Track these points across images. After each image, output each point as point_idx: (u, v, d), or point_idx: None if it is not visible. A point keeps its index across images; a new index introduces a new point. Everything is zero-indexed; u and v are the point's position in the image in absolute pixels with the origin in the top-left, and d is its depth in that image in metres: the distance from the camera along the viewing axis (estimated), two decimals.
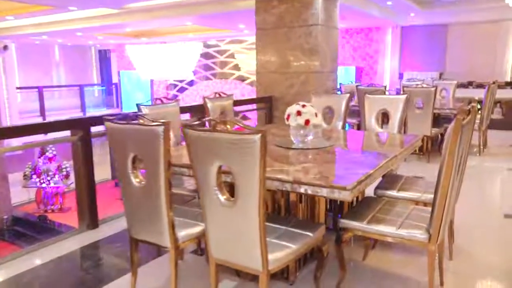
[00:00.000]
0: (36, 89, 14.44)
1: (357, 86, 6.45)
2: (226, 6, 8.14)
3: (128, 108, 16.27)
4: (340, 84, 7.40)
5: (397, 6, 9.63)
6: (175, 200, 2.73)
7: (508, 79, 11.14)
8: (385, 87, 6.14)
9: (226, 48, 15.46)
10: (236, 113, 14.39)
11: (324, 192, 1.96)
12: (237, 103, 4.89)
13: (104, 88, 18.04)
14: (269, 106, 5.87)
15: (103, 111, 16.17)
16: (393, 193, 2.84)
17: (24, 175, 11.94)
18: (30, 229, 9.80)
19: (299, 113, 2.78)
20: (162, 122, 2.01)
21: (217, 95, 4.09)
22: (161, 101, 3.40)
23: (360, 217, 2.34)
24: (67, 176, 9.68)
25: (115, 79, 17.76)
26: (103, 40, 15.38)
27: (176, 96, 16.34)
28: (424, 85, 5.81)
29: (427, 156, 5.67)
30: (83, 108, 15.70)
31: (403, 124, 4.04)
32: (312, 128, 2.83)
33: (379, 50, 12.22)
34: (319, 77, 5.62)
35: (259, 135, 1.70)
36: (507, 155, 6.26)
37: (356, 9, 8.67)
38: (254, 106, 6.02)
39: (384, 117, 3.83)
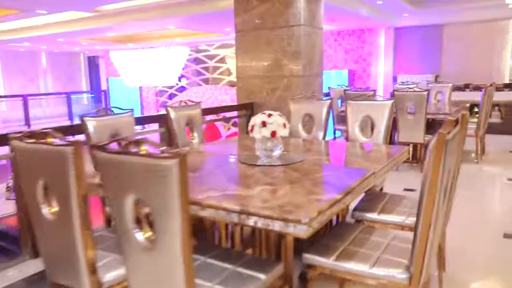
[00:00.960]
0: (21, 98, 14.00)
1: (345, 90, 6.05)
2: (206, 7, 7.78)
3: None
4: (329, 88, 7.01)
5: (389, 6, 9.24)
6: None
7: (507, 81, 10.75)
8: (375, 91, 5.73)
9: (216, 52, 15.07)
10: (227, 120, 13.86)
11: (276, 226, 1.57)
12: (207, 111, 4.48)
13: (93, 95, 17.61)
14: (250, 114, 5.47)
15: None
16: (373, 216, 2.43)
17: (7, 187, 11.49)
18: (11, 243, 9.39)
19: (264, 123, 2.40)
20: (71, 141, 1.61)
21: (183, 103, 3.72)
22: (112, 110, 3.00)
23: (329, 250, 1.93)
24: None
25: (104, 86, 17.36)
26: (88, 46, 14.98)
27: (166, 102, 15.95)
28: (417, 89, 5.41)
29: (420, 165, 5.25)
30: (70, 116, 15.26)
31: (393, 131, 3.66)
32: (280, 141, 2.45)
33: (372, 52, 11.82)
34: (303, 81, 5.23)
35: (176, 160, 1.30)
36: (507, 162, 5.82)
37: (343, 9, 8.27)
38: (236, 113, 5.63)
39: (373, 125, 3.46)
